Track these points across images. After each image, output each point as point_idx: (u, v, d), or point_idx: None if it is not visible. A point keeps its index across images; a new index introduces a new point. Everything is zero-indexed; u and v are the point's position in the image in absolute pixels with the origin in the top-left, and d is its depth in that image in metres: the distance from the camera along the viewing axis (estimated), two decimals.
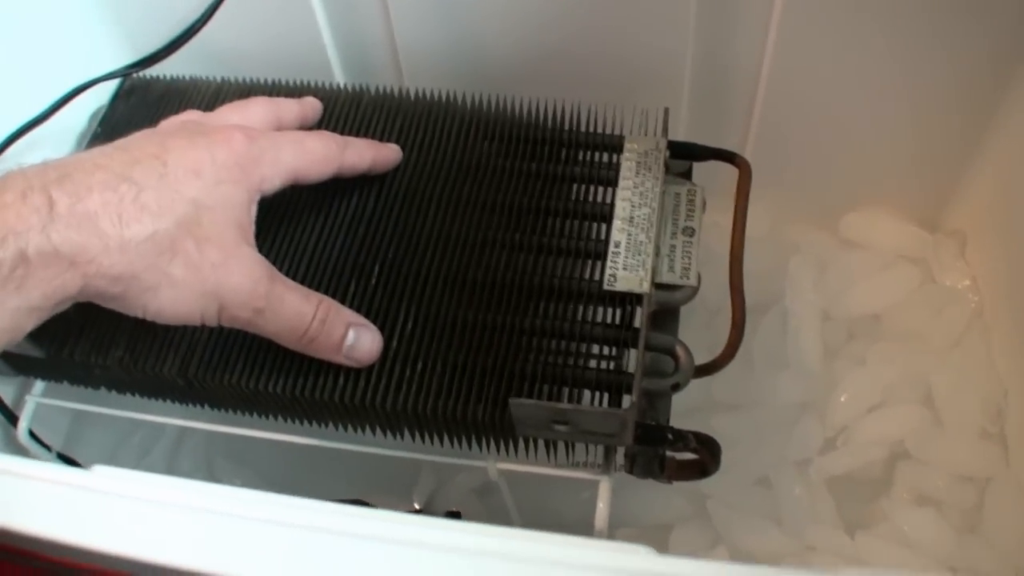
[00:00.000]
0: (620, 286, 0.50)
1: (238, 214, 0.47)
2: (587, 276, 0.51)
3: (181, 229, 0.44)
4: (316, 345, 0.47)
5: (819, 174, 0.72)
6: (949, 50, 0.62)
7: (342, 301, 0.50)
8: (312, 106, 0.57)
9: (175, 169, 0.45)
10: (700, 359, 0.51)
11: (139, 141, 0.47)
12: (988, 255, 0.70)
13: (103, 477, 0.40)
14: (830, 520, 0.64)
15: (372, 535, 0.36)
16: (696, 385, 0.54)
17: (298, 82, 0.61)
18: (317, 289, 0.50)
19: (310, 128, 0.57)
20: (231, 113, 0.53)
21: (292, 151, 0.50)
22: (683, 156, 0.57)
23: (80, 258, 0.41)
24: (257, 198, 0.48)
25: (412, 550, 0.35)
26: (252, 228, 0.48)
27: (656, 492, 0.64)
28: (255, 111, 0.53)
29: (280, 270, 0.49)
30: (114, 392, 0.58)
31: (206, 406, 0.56)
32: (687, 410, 0.65)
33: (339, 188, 0.54)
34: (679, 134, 0.63)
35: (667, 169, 0.56)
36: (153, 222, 0.43)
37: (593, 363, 0.48)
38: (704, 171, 0.57)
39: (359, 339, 0.48)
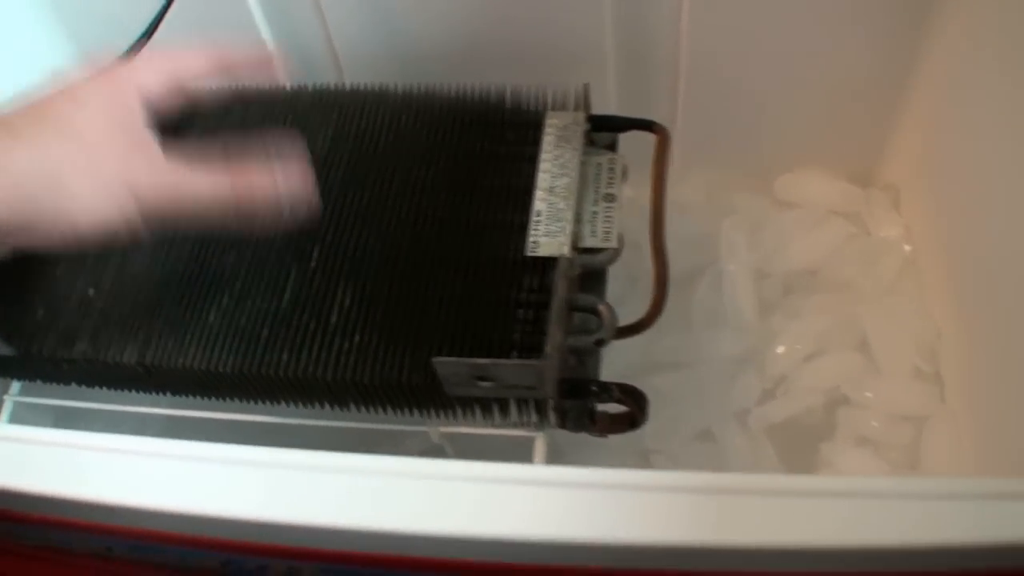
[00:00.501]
0: (542, 251, 0.52)
1: (123, 121, 0.49)
2: (513, 245, 0.53)
3: (66, 145, 0.47)
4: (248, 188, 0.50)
5: (750, 138, 0.74)
6: (865, 4, 0.64)
7: (284, 284, 0.54)
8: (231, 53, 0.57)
9: (52, 104, 0.48)
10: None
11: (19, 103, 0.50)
12: (921, 205, 0.73)
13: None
14: (773, 467, 0.66)
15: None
16: (638, 347, 0.57)
17: (241, 86, 0.64)
18: (261, 275, 0.54)
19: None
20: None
21: (163, 56, 0.53)
22: (605, 128, 0.60)
23: None
24: (138, 103, 0.50)
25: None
26: (148, 132, 0.50)
27: (605, 452, 0.67)
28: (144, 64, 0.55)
29: (227, 257, 0.53)
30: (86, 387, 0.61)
31: (168, 394, 0.59)
32: (630, 372, 0.68)
33: None
34: (610, 109, 0.66)
35: (592, 142, 0.59)
36: (32, 146, 0.46)
37: (519, 325, 0.51)
38: (645, 144, 0.59)
39: (285, 177, 0.50)
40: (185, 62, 0.53)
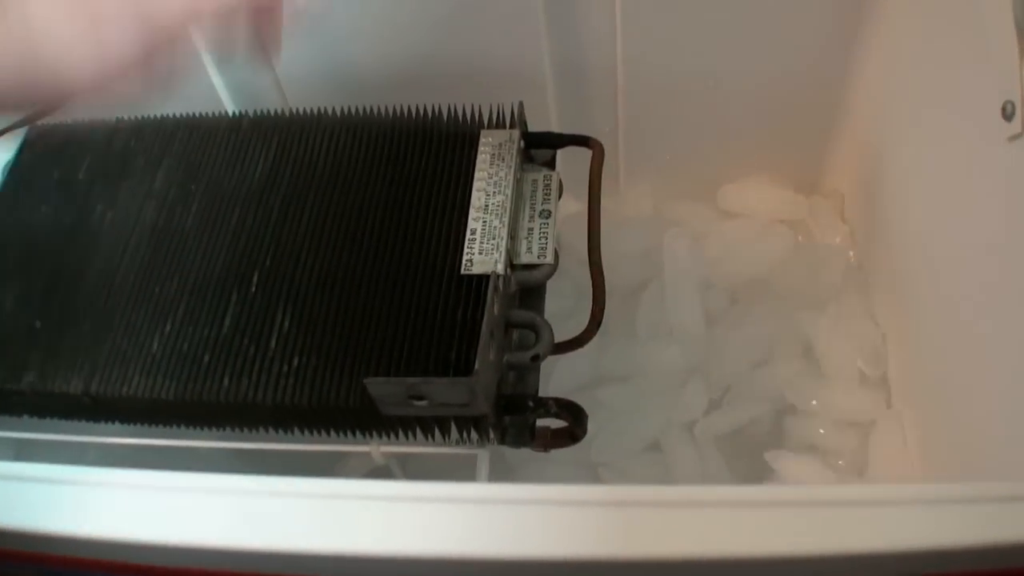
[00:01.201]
0: (476, 269, 0.53)
1: None
2: (448, 263, 0.54)
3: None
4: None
5: (693, 150, 0.75)
6: (797, 11, 0.65)
7: (225, 309, 0.54)
8: None
9: None
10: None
11: None
12: (864, 211, 0.73)
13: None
14: (722, 477, 0.67)
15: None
16: (584, 362, 0.58)
17: (189, 114, 0.65)
18: (203, 300, 0.55)
19: None
20: None
21: None
22: (542, 145, 0.60)
23: None
24: None
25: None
26: None
27: (549, 465, 0.67)
28: None
29: (170, 285, 0.54)
30: (43, 419, 0.61)
31: (117, 423, 0.59)
32: (577, 387, 0.68)
33: (223, 208, 0.58)
34: (551, 126, 0.67)
35: (530, 159, 0.60)
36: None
37: (455, 343, 0.51)
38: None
39: None
40: None
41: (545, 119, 0.61)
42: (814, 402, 0.67)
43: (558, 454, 0.55)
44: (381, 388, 0.48)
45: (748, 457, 0.68)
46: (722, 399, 0.69)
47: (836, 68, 0.68)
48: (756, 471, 0.67)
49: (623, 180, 0.62)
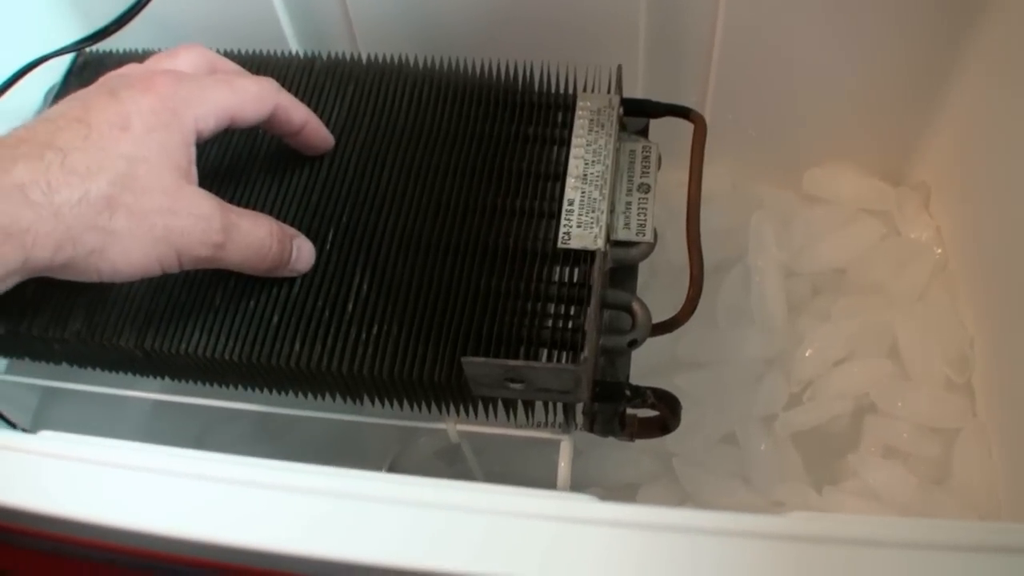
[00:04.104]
0: (574, 244, 0.49)
1: (176, 158, 0.46)
2: (542, 235, 0.50)
3: (116, 186, 0.43)
4: (274, 265, 0.48)
5: (780, 130, 0.72)
6: (906, 2, 0.61)
7: None
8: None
9: (99, 127, 0.44)
10: (664, 317, 0.51)
11: (62, 107, 0.46)
12: (952, 207, 0.70)
13: (49, 441, 0.40)
14: (797, 476, 0.64)
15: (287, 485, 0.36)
16: (661, 344, 0.54)
17: (252, 51, 0.60)
18: None
19: None
20: (160, 61, 0.51)
21: (223, 90, 0.49)
22: (638, 113, 0.57)
23: (14, 228, 0.40)
24: (193, 139, 0.47)
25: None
26: (194, 169, 0.47)
27: (623, 452, 0.64)
28: (185, 57, 0.52)
29: None
30: (77, 368, 0.57)
31: (167, 378, 0.55)
32: (652, 370, 0.65)
33: (292, 156, 0.54)
34: (637, 93, 0.63)
35: (623, 127, 0.56)
36: (83, 183, 0.42)
37: (549, 322, 0.48)
38: (667, 130, 0.57)
39: (301, 250, 0.49)
40: (248, 104, 0.50)
41: (631, 84, 0.57)
42: (899, 404, 0.63)
43: None
44: (478, 369, 0.45)
45: (824, 456, 0.65)
46: (802, 394, 0.66)
47: (940, 57, 0.64)
48: (832, 471, 0.64)
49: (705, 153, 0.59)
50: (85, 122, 0.44)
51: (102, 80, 0.49)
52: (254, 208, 0.52)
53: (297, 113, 0.52)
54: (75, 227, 0.42)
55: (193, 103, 0.47)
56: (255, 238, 0.47)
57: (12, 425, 0.61)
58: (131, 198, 0.43)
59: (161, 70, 0.49)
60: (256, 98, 0.50)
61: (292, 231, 0.49)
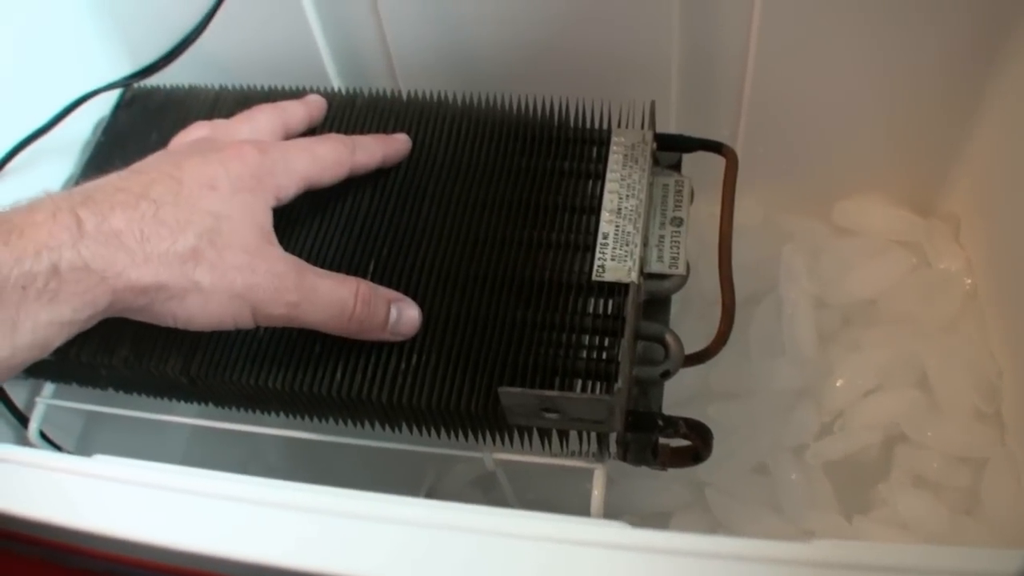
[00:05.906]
0: (609, 276, 0.50)
1: (258, 219, 0.49)
2: (577, 268, 0.51)
3: (202, 239, 0.45)
4: (364, 327, 0.49)
5: (811, 162, 0.72)
6: (934, 33, 0.62)
7: None
8: (316, 105, 0.59)
9: (190, 185, 0.47)
10: (696, 348, 0.52)
11: (154, 163, 0.49)
12: (982, 237, 0.70)
13: (102, 464, 0.42)
14: (828, 505, 0.64)
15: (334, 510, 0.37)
16: (693, 375, 0.55)
17: (294, 87, 0.62)
18: None
19: (317, 126, 0.59)
20: (240, 125, 0.55)
21: (304, 159, 0.52)
22: (671, 148, 0.58)
23: (109, 271, 0.43)
24: (273, 204, 0.50)
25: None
26: (272, 231, 0.50)
27: (655, 481, 0.65)
28: (262, 121, 0.55)
29: None
30: (123, 393, 0.59)
31: (211, 404, 0.57)
32: (684, 400, 0.66)
33: (336, 188, 0.55)
34: (669, 127, 0.64)
35: (656, 161, 0.57)
36: (172, 235, 0.45)
37: (584, 353, 0.49)
38: (698, 163, 0.58)
39: (402, 314, 0.50)
40: (326, 172, 0.53)
41: (664, 118, 0.58)
42: (929, 434, 0.64)
43: None
44: (514, 399, 0.46)
45: (855, 486, 0.65)
46: (833, 424, 0.67)
47: (971, 89, 0.65)
48: (863, 501, 0.65)
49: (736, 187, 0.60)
50: (177, 179, 0.47)
51: (193, 143, 0.53)
52: (297, 242, 0.54)
53: (372, 161, 0.55)
54: (162, 275, 0.44)
55: (277, 172, 0.50)
56: (336, 298, 0.48)
57: (58, 448, 0.63)
58: (214, 253, 0.46)
59: (248, 139, 0.52)
60: (334, 164, 0.53)
61: (392, 294, 0.50)
